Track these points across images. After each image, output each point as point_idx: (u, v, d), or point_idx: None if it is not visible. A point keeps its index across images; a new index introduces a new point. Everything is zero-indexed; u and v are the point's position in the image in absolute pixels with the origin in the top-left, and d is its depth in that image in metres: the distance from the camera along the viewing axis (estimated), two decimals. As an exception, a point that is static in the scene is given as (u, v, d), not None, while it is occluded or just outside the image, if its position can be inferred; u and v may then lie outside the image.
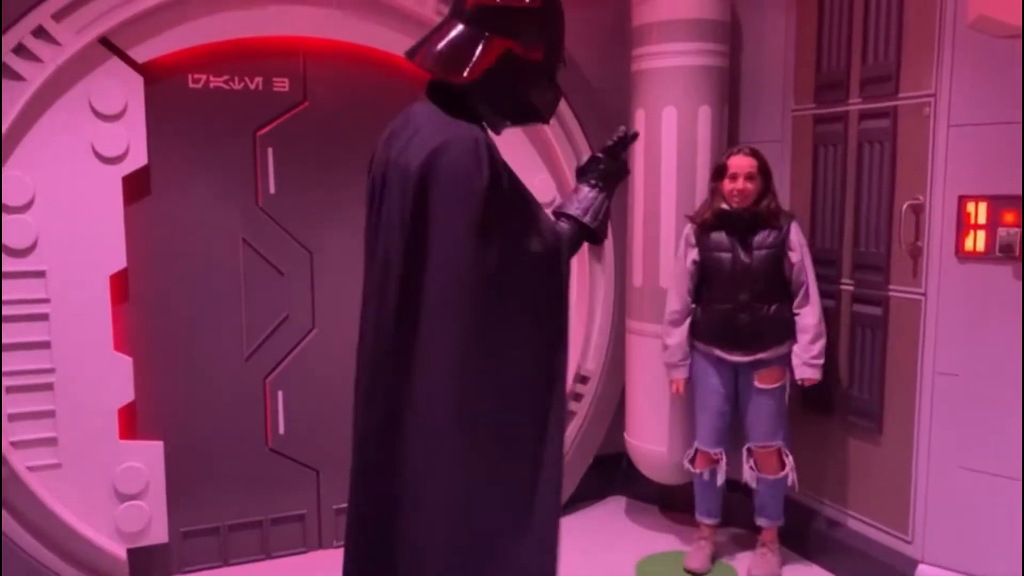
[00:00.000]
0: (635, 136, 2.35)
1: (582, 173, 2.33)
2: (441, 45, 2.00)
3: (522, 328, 2.04)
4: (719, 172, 3.57)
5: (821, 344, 3.51)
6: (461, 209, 1.91)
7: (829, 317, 3.67)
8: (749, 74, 4.08)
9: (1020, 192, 2.97)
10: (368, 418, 2.10)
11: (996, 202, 3.04)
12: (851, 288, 3.61)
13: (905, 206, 3.30)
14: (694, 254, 3.60)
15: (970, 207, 3.12)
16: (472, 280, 1.93)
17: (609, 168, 2.29)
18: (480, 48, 1.98)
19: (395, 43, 3.74)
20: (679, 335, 3.65)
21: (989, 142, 3.06)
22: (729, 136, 4.00)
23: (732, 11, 3.92)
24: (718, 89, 3.86)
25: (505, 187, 1.96)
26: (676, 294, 3.67)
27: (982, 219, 3.08)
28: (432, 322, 1.95)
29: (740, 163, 3.50)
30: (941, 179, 3.21)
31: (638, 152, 3.92)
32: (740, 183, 3.48)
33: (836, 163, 3.65)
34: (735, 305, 3.51)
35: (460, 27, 2.01)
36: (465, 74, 1.97)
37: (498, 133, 2.14)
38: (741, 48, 4.07)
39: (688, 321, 3.65)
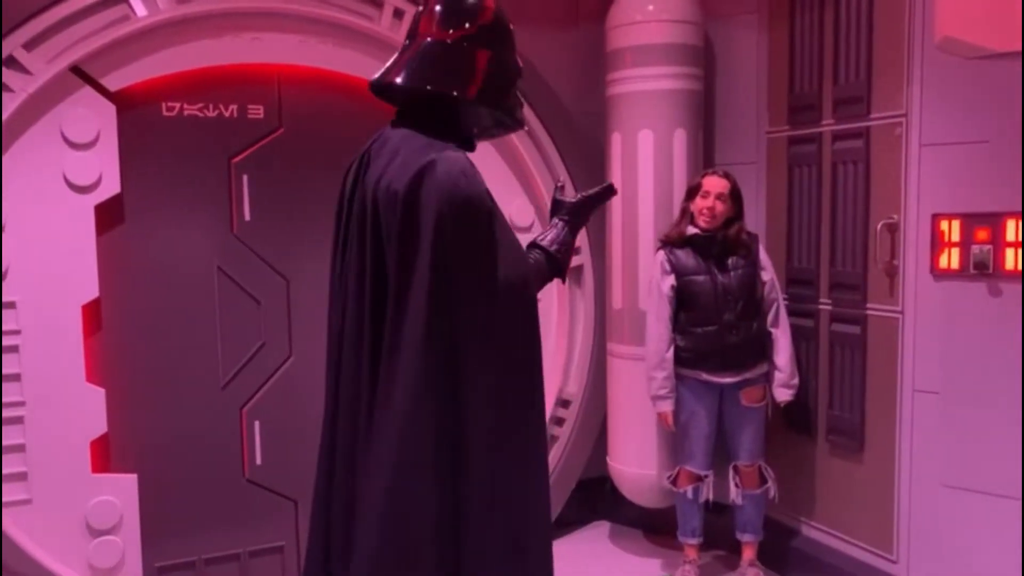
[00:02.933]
0: (614, 192, 2.33)
1: (556, 208, 2.31)
2: (449, 64, 1.99)
3: (526, 346, 2.02)
4: (692, 191, 3.60)
5: (794, 365, 3.60)
6: (474, 221, 1.89)
7: (807, 336, 3.68)
8: (723, 97, 4.11)
9: (991, 209, 3.00)
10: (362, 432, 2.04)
11: (969, 220, 3.07)
12: (829, 307, 3.62)
13: (880, 225, 3.33)
14: (671, 280, 3.59)
15: (944, 225, 3.15)
16: (494, 291, 1.90)
17: (580, 211, 2.29)
18: (471, 61, 2.00)
19: (370, 69, 3.68)
20: (668, 366, 3.59)
21: (961, 161, 3.10)
22: (705, 158, 4.03)
23: (705, 35, 3.96)
24: (693, 112, 3.89)
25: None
26: (660, 323, 3.60)
27: (956, 237, 3.11)
28: (469, 342, 1.90)
29: (714, 183, 3.53)
30: (915, 198, 3.24)
31: (615, 175, 3.93)
32: (711, 201, 3.51)
33: (811, 183, 3.68)
34: (720, 326, 3.51)
35: (442, 47, 2.00)
36: (469, 88, 1.98)
37: (473, 149, 2.12)
38: (715, 71, 4.11)
39: (672, 349, 3.61)
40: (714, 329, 3.51)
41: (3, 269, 3.19)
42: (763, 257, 3.61)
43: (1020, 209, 2.93)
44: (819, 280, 3.66)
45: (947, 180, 3.15)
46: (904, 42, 3.23)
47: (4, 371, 3.22)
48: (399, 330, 1.92)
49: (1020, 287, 2.95)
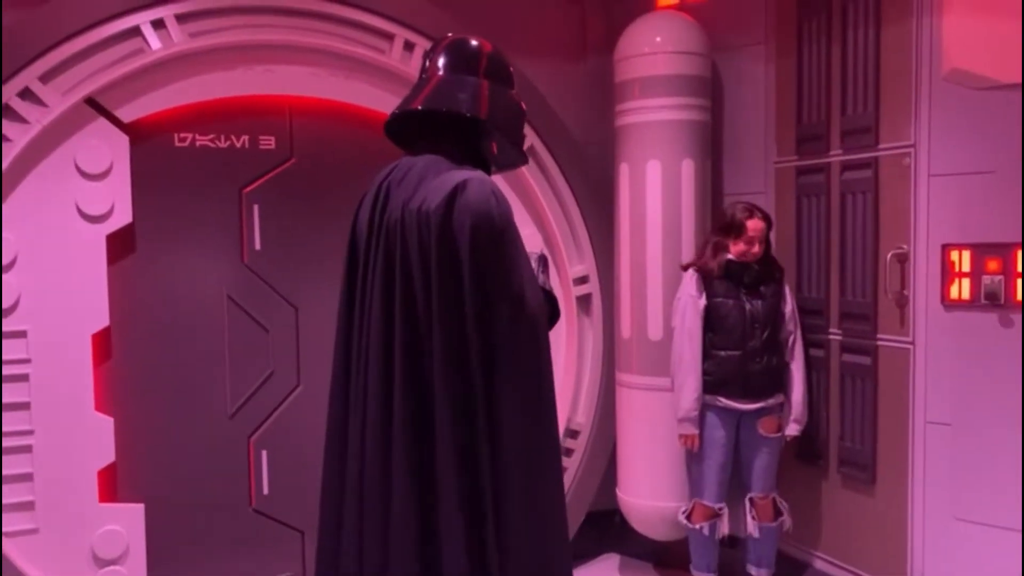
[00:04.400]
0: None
1: None
2: (462, 93, 2.15)
3: (547, 365, 2.09)
4: (733, 229, 3.52)
5: (807, 401, 3.59)
6: (505, 239, 2.02)
7: (818, 367, 3.66)
8: (731, 127, 4.13)
9: (1002, 240, 2.99)
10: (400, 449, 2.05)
11: (979, 250, 3.06)
12: (839, 338, 3.61)
13: (889, 255, 3.32)
14: (703, 301, 3.55)
15: (954, 255, 3.14)
16: (522, 308, 2.01)
17: None
18: (479, 89, 2.17)
19: (380, 101, 3.78)
20: (698, 387, 3.53)
21: (970, 191, 3.09)
22: (713, 188, 4.04)
23: (712, 66, 3.99)
24: (701, 142, 3.90)
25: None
26: (691, 343, 3.52)
27: (966, 267, 3.10)
28: (501, 358, 1.99)
29: (758, 227, 3.49)
30: (924, 228, 3.23)
31: (623, 205, 3.94)
32: (756, 247, 3.49)
33: (820, 214, 3.68)
34: (744, 352, 3.48)
35: (471, 79, 2.18)
36: (480, 109, 2.14)
37: (491, 174, 2.25)
38: (722, 102, 4.13)
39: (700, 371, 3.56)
40: (738, 354, 3.48)
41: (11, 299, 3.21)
42: (786, 289, 3.60)
43: (1021, 239, 2.92)
44: (829, 310, 3.65)
45: (956, 210, 3.14)
46: (912, 73, 3.25)
47: (14, 400, 3.23)
48: (437, 350, 1.98)
49: (1032, 318, 2.94)
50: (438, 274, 1.99)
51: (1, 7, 3.14)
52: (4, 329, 3.21)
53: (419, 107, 2.12)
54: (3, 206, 3.20)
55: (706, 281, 3.54)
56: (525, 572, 2.03)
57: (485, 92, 2.16)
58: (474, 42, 2.25)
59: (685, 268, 3.66)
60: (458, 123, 2.17)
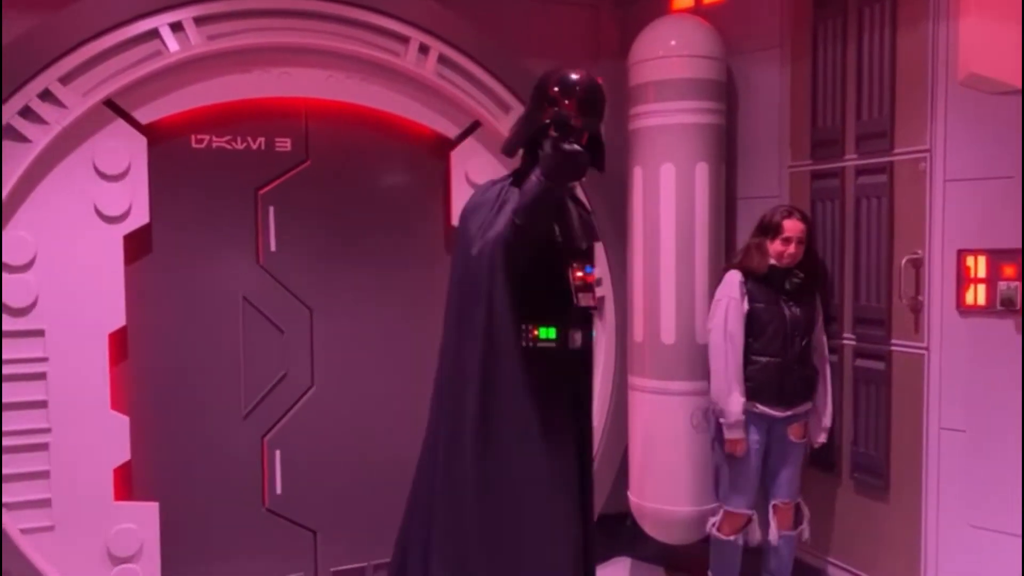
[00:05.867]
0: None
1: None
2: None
3: None
4: (771, 230, 3.49)
5: (832, 409, 3.58)
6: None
7: (832, 372, 3.64)
8: (746, 131, 4.12)
9: (1019, 246, 2.97)
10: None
11: (995, 256, 3.04)
12: (853, 343, 3.59)
13: (904, 260, 3.30)
14: (747, 305, 3.50)
15: (969, 261, 3.12)
16: None
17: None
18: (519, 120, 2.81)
19: (395, 103, 3.80)
20: (742, 392, 3.44)
21: (986, 196, 3.07)
22: (727, 192, 4.03)
23: (727, 70, 3.99)
24: (715, 146, 3.90)
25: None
26: (733, 347, 3.45)
27: (982, 273, 3.08)
28: None
29: (796, 227, 3.46)
30: (939, 233, 3.21)
31: (637, 208, 3.94)
32: (793, 247, 3.45)
33: (834, 218, 3.66)
34: (784, 360, 3.45)
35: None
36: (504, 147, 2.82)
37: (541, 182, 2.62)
38: (737, 106, 4.13)
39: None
40: (778, 362, 3.45)
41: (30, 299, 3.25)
42: (818, 297, 3.58)
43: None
44: (843, 315, 3.63)
45: (972, 215, 3.12)
46: (927, 77, 3.23)
47: (31, 398, 3.27)
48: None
49: (1048, 324, 2.91)
50: None
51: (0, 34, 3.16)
52: (22, 328, 3.24)
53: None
54: (22, 207, 3.23)
55: (748, 283, 3.49)
56: None
57: (520, 120, 2.78)
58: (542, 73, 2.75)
59: (727, 269, 3.62)
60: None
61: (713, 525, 3.65)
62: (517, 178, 2.69)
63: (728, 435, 3.48)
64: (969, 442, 3.14)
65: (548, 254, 2.61)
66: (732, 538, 3.59)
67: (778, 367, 3.45)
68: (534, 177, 2.47)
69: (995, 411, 3.06)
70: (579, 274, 2.62)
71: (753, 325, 3.48)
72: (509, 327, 2.57)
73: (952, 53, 3.11)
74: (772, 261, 3.48)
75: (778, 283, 3.48)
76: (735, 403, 3.44)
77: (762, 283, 3.48)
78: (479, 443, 2.54)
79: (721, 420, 3.50)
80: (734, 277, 3.52)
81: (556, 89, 2.64)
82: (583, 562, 2.77)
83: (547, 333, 2.59)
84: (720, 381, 3.48)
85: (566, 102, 2.62)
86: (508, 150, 2.77)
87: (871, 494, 3.53)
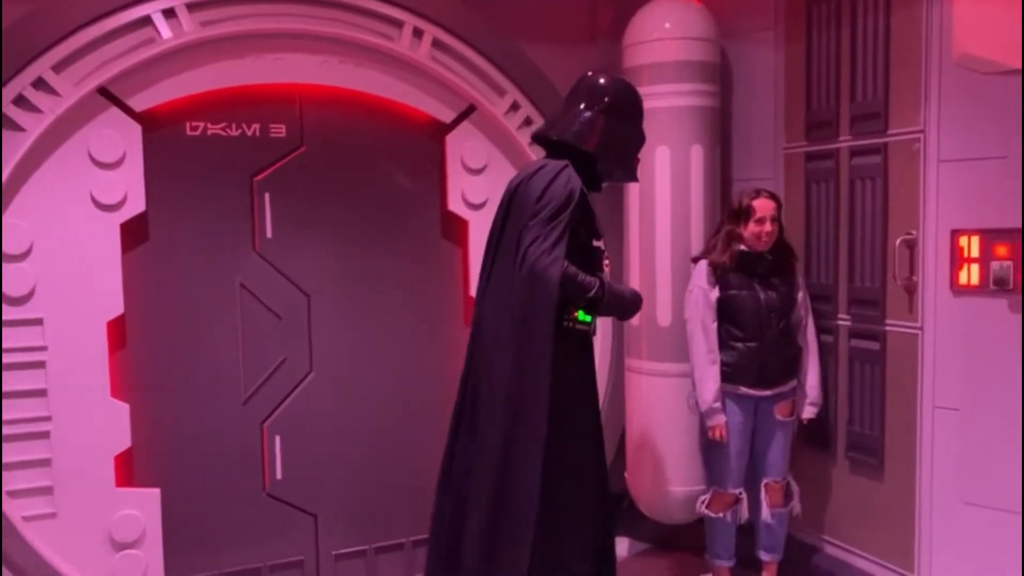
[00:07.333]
0: None
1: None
2: (576, 125, 2.94)
3: None
4: (741, 214, 3.51)
5: (821, 384, 3.60)
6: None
7: (826, 352, 3.67)
8: (740, 113, 4.13)
9: (1011, 225, 2.99)
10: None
11: (988, 236, 3.06)
12: (848, 323, 3.62)
13: (898, 241, 3.33)
14: (716, 293, 3.54)
15: (963, 241, 3.14)
16: None
17: None
18: (594, 125, 2.93)
19: (390, 88, 3.80)
20: (717, 379, 3.52)
21: (980, 176, 3.09)
22: (722, 174, 4.04)
23: (721, 52, 3.98)
24: (709, 128, 3.90)
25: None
26: (706, 336, 3.51)
27: (975, 253, 3.10)
28: None
29: (766, 206, 3.48)
30: (933, 214, 3.24)
31: (632, 191, 3.95)
32: (768, 226, 3.47)
33: (829, 199, 3.68)
34: (761, 343, 3.49)
35: (588, 114, 2.95)
36: (589, 142, 2.91)
37: (595, 182, 2.99)
38: (731, 88, 4.13)
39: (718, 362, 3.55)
40: (756, 346, 3.49)
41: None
42: (799, 275, 3.61)
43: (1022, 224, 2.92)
44: (837, 296, 3.66)
45: (965, 196, 3.14)
46: (921, 58, 3.24)
47: (31, 387, 3.28)
48: None
49: (1041, 303, 2.94)
50: None
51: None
52: (20, 317, 3.25)
53: (542, 132, 3.03)
54: (17, 195, 3.23)
55: (719, 273, 3.53)
56: None
57: (599, 126, 2.91)
58: (602, 81, 2.97)
59: (695, 260, 3.64)
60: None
61: (703, 503, 3.71)
62: (583, 169, 2.88)
63: (707, 421, 3.55)
64: (963, 420, 3.17)
65: (586, 248, 2.91)
66: (722, 515, 3.64)
67: (756, 351, 3.48)
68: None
69: (988, 390, 3.09)
70: (607, 263, 3.00)
71: (727, 311, 3.52)
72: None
73: (946, 34, 3.12)
74: (743, 247, 3.49)
75: (749, 268, 3.50)
76: (709, 391, 3.50)
77: (733, 269, 3.51)
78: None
79: (699, 407, 3.55)
80: (701, 267, 3.57)
81: (642, 105, 3.05)
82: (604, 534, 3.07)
83: (584, 317, 2.87)
84: (695, 369, 3.55)
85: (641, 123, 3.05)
86: (595, 145, 2.91)
87: (866, 473, 3.57)
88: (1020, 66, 2.78)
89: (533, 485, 2.68)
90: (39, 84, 3.19)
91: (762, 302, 3.49)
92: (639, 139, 3.05)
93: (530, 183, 2.81)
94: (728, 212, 3.61)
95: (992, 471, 3.09)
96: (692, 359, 3.58)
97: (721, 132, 4.02)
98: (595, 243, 2.94)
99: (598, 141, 2.90)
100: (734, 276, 3.51)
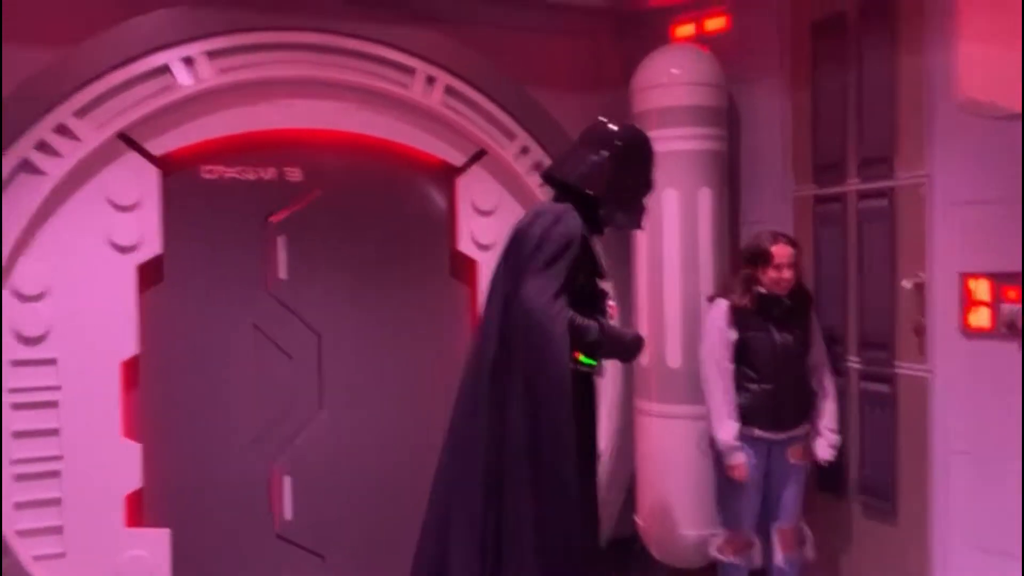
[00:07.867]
0: None
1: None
2: (581, 167, 2.94)
3: None
4: (760, 258, 3.48)
5: (838, 425, 3.55)
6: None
7: (837, 394, 3.65)
8: (749, 157, 4.16)
9: (1019, 269, 2.99)
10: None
11: (998, 279, 3.06)
12: (858, 366, 3.60)
13: (909, 283, 3.32)
14: (734, 334, 3.51)
15: (972, 284, 3.14)
16: None
17: None
18: (603, 170, 2.92)
19: (404, 134, 3.87)
20: (734, 419, 3.46)
21: (987, 219, 3.10)
22: (731, 217, 4.07)
23: (729, 97, 4.04)
24: (718, 171, 3.94)
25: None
26: (722, 377, 3.47)
27: (984, 296, 3.10)
28: None
29: (785, 252, 3.45)
30: (941, 256, 3.24)
31: (641, 232, 3.97)
32: (786, 273, 3.45)
33: (837, 242, 3.69)
34: (777, 386, 3.46)
35: (595, 158, 2.93)
36: (597, 187, 2.90)
37: (602, 233, 2.99)
38: (739, 133, 4.17)
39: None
40: (771, 388, 3.46)
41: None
42: (814, 319, 3.58)
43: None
44: (847, 338, 3.64)
45: (974, 239, 3.14)
46: (926, 103, 3.27)
47: (44, 426, 3.32)
48: None
49: (1051, 346, 2.93)
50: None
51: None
52: (35, 357, 3.29)
53: (549, 171, 3.07)
54: (37, 237, 3.29)
55: (737, 316, 3.51)
56: None
57: (605, 170, 2.90)
58: (613, 127, 3.00)
59: (711, 299, 3.63)
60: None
61: (714, 547, 3.66)
62: (585, 210, 2.88)
63: (727, 461, 3.49)
64: (973, 464, 3.14)
65: (588, 290, 2.93)
66: (736, 560, 3.60)
67: (771, 393, 3.46)
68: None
69: (1000, 433, 3.06)
70: (611, 303, 3.03)
71: (743, 352, 3.50)
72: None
73: (950, 79, 3.15)
74: (762, 290, 3.47)
75: (767, 310, 3.49)
76: (726, 431, 3.46)
77: (751, 312, 3.49)
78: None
79: (717, 447, 3.52)
80: (721, 306, 3.53)
81: (651, 152, 3.05)
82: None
83: (587, 360, 2.87)
84: (712, 410, 3.51)
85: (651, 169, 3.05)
86: (599, 189, 2.90)
87: (878, 517, 3.52)
88: (1022, 111, 2.80)
89: (576, 545, 2.69)
90: (61, 129, 3.27)
91: (778, 344, 3.47)
92: (646, 186, 3.06)
93: (530, 227, 2.83)
94: (746, 254, 3.58)
95: (1007, 516, 3.05)
96: (708, 399, 3.54)
97: (730, 175, 4.05)
98: (598, 284, 2.95)
99: (603, 185, 2.91)
100: (752, 318, 3.50)
